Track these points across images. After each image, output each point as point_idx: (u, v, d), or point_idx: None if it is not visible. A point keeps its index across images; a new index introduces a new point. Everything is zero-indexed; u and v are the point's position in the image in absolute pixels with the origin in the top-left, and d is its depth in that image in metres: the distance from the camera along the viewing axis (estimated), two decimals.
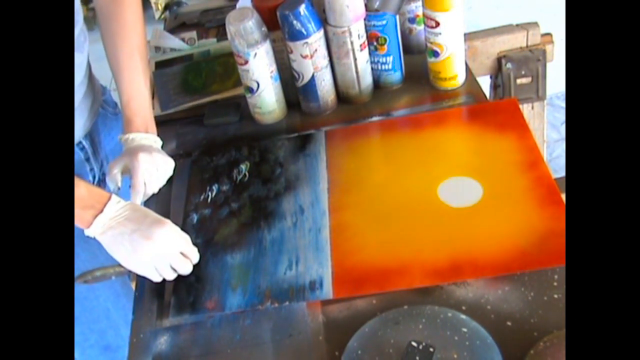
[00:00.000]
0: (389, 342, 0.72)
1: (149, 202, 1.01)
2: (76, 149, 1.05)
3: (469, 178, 0.92)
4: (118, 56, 1.01)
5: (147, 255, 0.83)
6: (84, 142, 1.06)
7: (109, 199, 0.85)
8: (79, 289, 0.90)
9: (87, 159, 1.08)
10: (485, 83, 1.25)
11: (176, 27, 1.48)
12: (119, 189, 0.96)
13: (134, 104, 1.00)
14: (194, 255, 0.88)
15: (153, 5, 2.89)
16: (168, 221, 0.86)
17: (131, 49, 1.01)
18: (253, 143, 1.09)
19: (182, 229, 0.96)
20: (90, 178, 1.09)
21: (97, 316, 1.15)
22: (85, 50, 1.01)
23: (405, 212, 0.90)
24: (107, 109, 1.16)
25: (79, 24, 0.98)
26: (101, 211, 0.83)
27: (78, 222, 0.83)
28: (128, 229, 0.83)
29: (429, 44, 1.05)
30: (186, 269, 0.87)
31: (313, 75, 1.06)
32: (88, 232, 0.84)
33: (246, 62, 1.04)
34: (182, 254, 0.86)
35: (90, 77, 1.08)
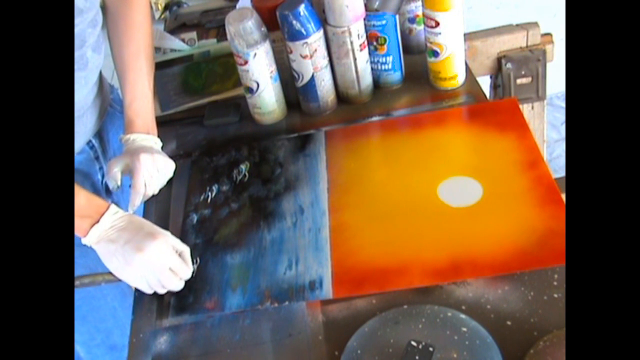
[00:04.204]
0: (389, 341, 0.72)
1: (149, 203, 1.01)
2: (86, 148, 1.06)
3: (469, 178, 0.92)
4: (123, 56, 1.02)
5: (138, 267, 0.83)
6: (93, 141, 1.07)
7: (107, 209, 0.85)
8: (87, 288, 0.90)
9: (97, 158, 1.08)
10: (485, 83, 1.25)
11: (176, 27, 1.48)
12: (118, 187, 0.96)
13: (136, 105, 1.00)
14: (184, 272, 0.86)
15: (153, 6, 2.90)
16: (163, 235, 0.85)
17: (137, 49, 1.01)
18: (253, 143, 1.09)
19: (182, 229, 0.96)
20: (99, 177, 1.10)
21: (103, 315, 1.15)
22: (102, 51, 1.01)
23: (405, 212, 0.90)
24: (116, 108, 1.16)
25: (98, 25, 0.98)
26: (97, 221, 0.84)
27: (76, 231, 0.84)
28: (122, 240, 0.83)
29: (428, 44, 1.05)
30: (174, 285, 0.86)
31: (313, 76, 1.06)
32: (84, 241, 0.85)
33: (246, 62, 1.04)
34: (172, 270, 0.85)
35: (100, 76, 1.08)
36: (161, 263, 0.83)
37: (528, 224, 0.83)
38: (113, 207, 0.86)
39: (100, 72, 1.08)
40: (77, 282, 0.87)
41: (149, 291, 0.86)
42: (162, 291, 0.86)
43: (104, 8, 1.02)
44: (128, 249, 0.83)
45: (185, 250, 0.87)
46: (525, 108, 1.30)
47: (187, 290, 0.87)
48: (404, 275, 0.81)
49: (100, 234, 0.84)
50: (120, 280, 0.86)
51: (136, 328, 0.85)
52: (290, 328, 0.79)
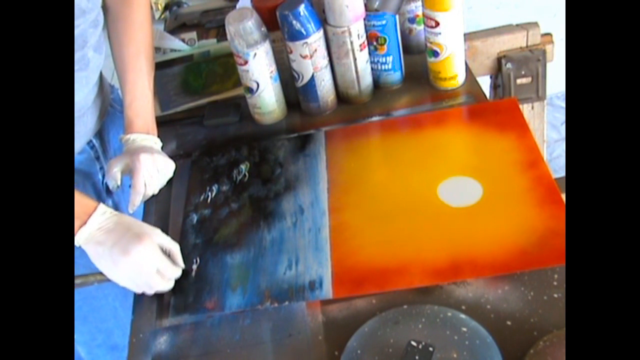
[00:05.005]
0: (389, 341, 0.72)
1: (149, 203, 1.01)
2: (86, 148, 1.06)
3: (468, 178, 0.92)
4: (124, 56, 1.02)
5: (125, 270, 0.83)
6: (94, 141, 1.07)
7: (95, 209, 0.84)
8: (88, 288, 0.90)
9: (97, 158, 1.09)
10: (485, 83, 1.25)
11: (176, 27, 1.49)
12: (118, 187, 0.96)
13: (136, 105, 1.00)
14: (172, 273, 0.86)
15: (153, 6, 2.89)
16: (149, 235, 0.84)
17: (137, 49, 1.02)
18: (253, 143, 1.09)
19: (182, 229, 0.96)
20: (100, 177, 1.10)
21: (104, 315, 1.15)
22: (104, 52, 1.02)
23: (405, 212, 0.90)
24: (116, 108, 1.16)
25: (100, 25, 0.98)
26: (85, 222, 0.83)
27: None
28: (109, 243, 0.83)
29: (428, 44, 1.05)
30: (162, 286, 0.85)
31: (313, 76, 1.06)
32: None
33: (246, 62, 1.04)
34: (159, 271, 0.85)
35: (101, 76, 1.08)
36: (147, 266, 0.83)
37: (528, 224, 0.83)
38: (101, 207, 0.85)
39: (101, 72, 1.08)
40: None
41: (138, 292, 0.86)
42: (150, 292, 0.86)
43: (104, 8, 1.02)
44: (115, 252, 0.82)
45: (174, 248, 0.87)
46: (525, 108, 1.30)
47: (187, 290, 0.87)
48: (404, 275, 0.81)
49: (88, 236, 0.83)
50: (110, 280, 0.86)
51: (136, 328, 0.85)
52: (290, 328, 0.79)
